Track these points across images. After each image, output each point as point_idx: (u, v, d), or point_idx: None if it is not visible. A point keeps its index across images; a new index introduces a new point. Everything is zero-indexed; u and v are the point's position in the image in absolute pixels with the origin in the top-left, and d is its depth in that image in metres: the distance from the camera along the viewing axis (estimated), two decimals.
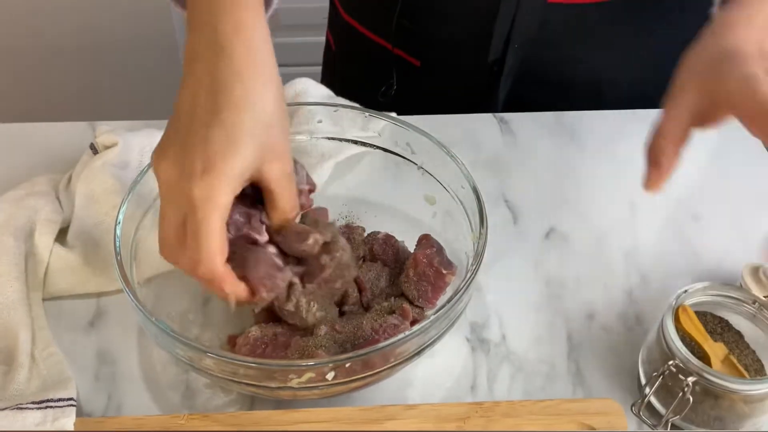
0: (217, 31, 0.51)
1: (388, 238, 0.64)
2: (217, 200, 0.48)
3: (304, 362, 0.50)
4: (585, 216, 0.73)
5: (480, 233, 0.57)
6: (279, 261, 0.53)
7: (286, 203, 0.53)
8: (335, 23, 0.96)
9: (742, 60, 0.52)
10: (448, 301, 0.53)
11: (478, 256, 0.55)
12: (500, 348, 0.63)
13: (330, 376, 0.49)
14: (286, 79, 0.67)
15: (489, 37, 0.83)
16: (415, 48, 0.88)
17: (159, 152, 0.51)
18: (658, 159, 0.55)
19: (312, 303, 0.55)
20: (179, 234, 0.50)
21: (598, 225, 0.73)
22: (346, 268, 0.55)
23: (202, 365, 0.51)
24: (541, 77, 0.86)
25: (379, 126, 0.68)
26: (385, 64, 0.86)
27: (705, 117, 0.55)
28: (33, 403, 0.55)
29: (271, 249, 0.53)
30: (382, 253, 0.64)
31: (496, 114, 0.84)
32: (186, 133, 0.49)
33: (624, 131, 0.82)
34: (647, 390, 0.55)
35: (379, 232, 0.65)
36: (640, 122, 0.83)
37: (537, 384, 0.60)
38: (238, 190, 0.50)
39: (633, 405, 0.56)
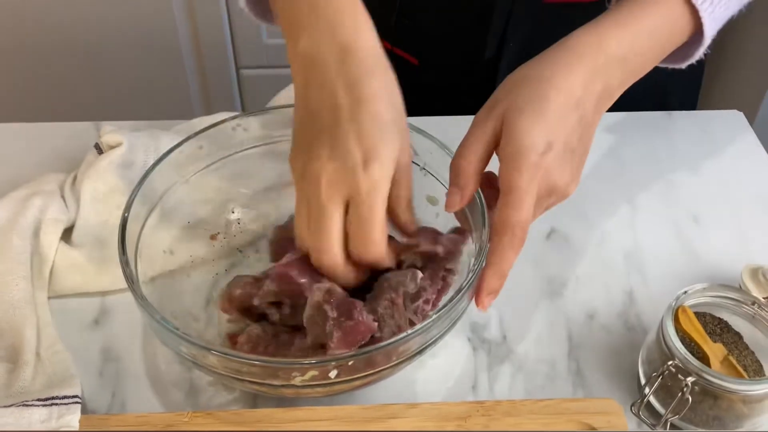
0: (336, 34, 0.53)
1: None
2: (382, 188, 0.52)
3: (307, 360, 0.50)
4: (586, 217, 0.74)
5: (482, 233, 0.57)
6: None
7: (408, 190, 0.56)
8: None
9: (541, 111, 0.54)
10: (450, 300, 0.53)
11: (480, 256, 0.56)
12: (501, 348, 0.63)
13: (333, 374, 0.50)
14: (285, 80, 0.68)
15: (485, 34, 0.83)
16: (414, 46, 0.89)
17: (306, 153, 0.53)
18: (458, 180, 0.56)
19: None
20: (341, 226, 0.52)
21: (599, 226, 0.73)
22: None
23: (205, 363, 0.52)
24: None
25: None
26: None
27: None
28: (38, 400, 0.55)
29: None
30: None
31: None
32: (335, 130, 0.51)
33: (625, 133, 0.83)
34: (647, 390, 0.56)
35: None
36: (641, 124, 0.84)
37: (537, 383, 0.61)
38: (392, 174, 0.52)
39: (632, 405, 0.57)
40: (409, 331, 0.51)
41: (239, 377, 0.51)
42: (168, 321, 0.52)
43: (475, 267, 0.55)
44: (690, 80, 0.88)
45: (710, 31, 0.60)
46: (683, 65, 0.65)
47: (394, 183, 0.54)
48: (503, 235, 0.53)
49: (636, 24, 0.58)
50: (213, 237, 0.67)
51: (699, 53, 0.62)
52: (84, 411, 0.58)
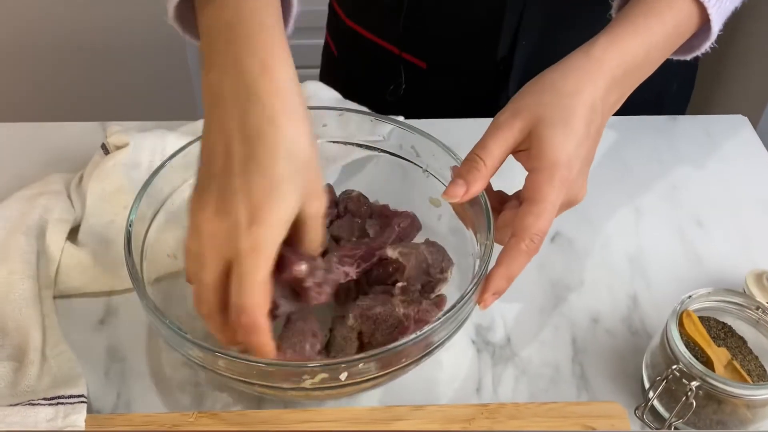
0: (243, 72, 0.50)
1: (361, 197, 0.67)
2: (264, 252, 0.48)
3: (317, 363, 0.50)
4: (590, 220, 0.74)
5: (487, 236, 0.57)
6: (317, 329, 0.55)
7: (316, 239, 0.54)
8: (336, 28, 0.96)
9: (571, 126, 0.55)
10: (457, 302, 0.53)
11: (485, 259, 0.56)
12: (505, 350, 0.64)
13: (343, 376, 0.50)
14: None
15: (497, 34, 0.83)
16: (422, 50, 0.89)
17: (196, 201, 0.50)
18: (468, 175, 0.56)
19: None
20: (220, 283, 0.50)
21: (603, 229, 0.73)
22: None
23: (214, 366, 0.52)
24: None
25: (385, 130, 0.69)
26: (392, 67, 0.87)
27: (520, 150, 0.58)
28: (44, 399, 0.55)
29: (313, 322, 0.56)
30: (356, 210, 0.66)
31: None
32: (224, 182, 0.49)
33: (629, 137, 0.83)
34: (651, 394, 0.56)
35: (352, 191, 0.68)
36: (645, 128, 0.84)
37: (541, 386, 0.61)
38: (283, 237, 0.50)
39: (636, 408, 0.57)
40: (417, 334, 0.51)
41: (248, 380, 0.51)
42: (175, 324, 0.52)
43: (481, 270, 0.55)
44: (684, 80, 0.88)
45: (717, 25, 0.61)
46: (688, 57, 0.66)
47: (304, 232, 0.52)
48: (521, 240, 0.54)
49: (651, 31, 0.59)
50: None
51: (706, 46, 0.63)
52: (89, 410, 0.58)
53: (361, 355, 0.50)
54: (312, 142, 0.51)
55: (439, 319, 0.52)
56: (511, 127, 0.56)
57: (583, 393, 0.61)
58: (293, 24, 0.58)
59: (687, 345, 0.56)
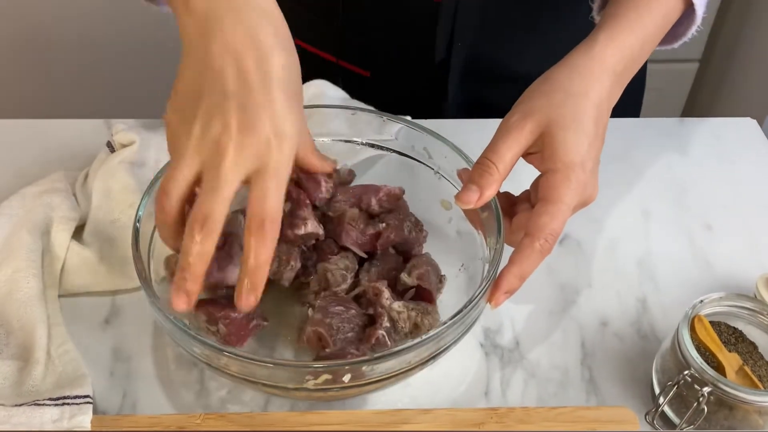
0: None
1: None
2: (288, 164, 0.51)
3: (321, 364, 0.50)
4: (598, 223, 0.73)
5: (497, 240, 0.57)
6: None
7: (314, 150, 0.58)
8: None
9: (583, 128, 0.55)
10: (465, 306, 0.53)
11: (495, 262, 0.55)
12: (513, 354, 0.63)
13: (347, 378, 0.49)
14: None
15: (433, 38, 0.83)
16: (362, 58, 0.89)
17: (205, 113, 0.50)
18: (481, 180, 0.56)
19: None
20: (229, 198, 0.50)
21: (612, 232, 0.73)
22: None
23: (219, 364, 0.51)
24: (489, 74, 0.86)
25: (394, 129, 0.69)
26: (329, 77, 0.86)
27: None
28: (50, 399, 0.55)
29: None
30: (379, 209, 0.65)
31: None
32: (245, 98, 0.50)
33: (637, 138, 0.83)
34: (661, 399, 0.56)
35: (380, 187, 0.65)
36: (653, 130, 0.84)
37: (550, 390, 0.61)
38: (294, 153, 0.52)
39: (647, 414, 0.57)
40: (424, 337, 0.51)
41: (252, 379, 0.51)
42: (182, 321, 0.52)
43: (490, 273, 0.55)
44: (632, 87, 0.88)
45: (701, 9, 0.62)
46: (675, 45, 0.67)
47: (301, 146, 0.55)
48: (536, 239, 0.54)
49: (644, 23, 0.59)
50: None
51: (691, 31, 0.65)
52: (95, 411, 0.57)
53: (366, 357, 0.49)
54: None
55: (447, 322, 0.52)
56: (521, 129, 0.56)
57: (592, 397, 0.60)
58: None
59: (698, 350, 0.56)
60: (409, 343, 0.50)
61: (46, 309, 0.63)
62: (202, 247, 0.50)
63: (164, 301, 0.58)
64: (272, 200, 0.50)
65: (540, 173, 0.59)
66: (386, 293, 0.57)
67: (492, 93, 0.85)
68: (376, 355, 0.49)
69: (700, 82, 1.49)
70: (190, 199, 0.52)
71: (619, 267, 0.70)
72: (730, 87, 1.45)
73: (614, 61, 0.58)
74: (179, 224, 0.52)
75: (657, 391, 0.58)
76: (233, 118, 0.49)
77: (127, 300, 0.66)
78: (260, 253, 0.50)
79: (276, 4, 0.53)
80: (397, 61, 0.87)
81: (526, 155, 0.58)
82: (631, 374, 0.62)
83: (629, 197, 0.76)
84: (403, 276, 0.60)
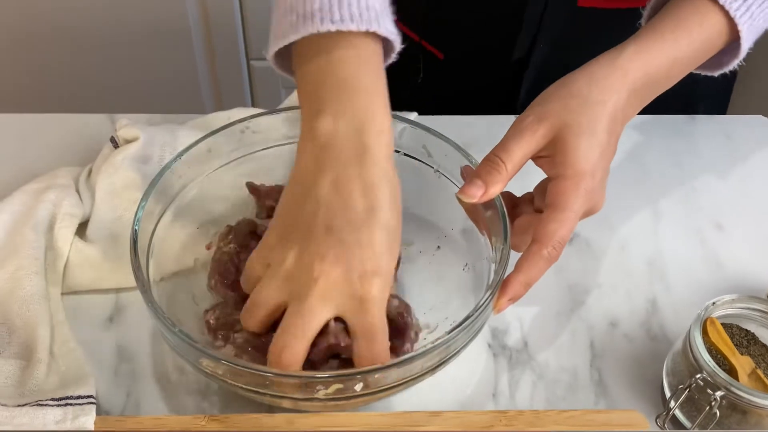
0: (364, 132, 0.51)
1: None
2: (385, 299, 0.51)
3: (331, 374, 0.49)
4: (608, 222, 0.72)
5: (503, 242, 0.56)
6: None
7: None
8: None
9: (597, 137, 0.55)
10: (474, 311, 0.52)
11: (502, 265, 0.55)
12: (522, 355, 0.62)
13: (359, 387, 0.49)
14: None
15: (516, 34, 0.82)
16: (441, 41, 0.88)
17: (303, 242, 0.51)
18: (488, 177, 0.56)
19: None
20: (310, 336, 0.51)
21: (621, 231, 0.72)
22: None
23: (223, 376, 0.51)
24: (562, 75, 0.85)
25: (397, 129, 0.67)
26: (410, 55, 0.85)
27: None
28: (53, 399, 0.54)
29: None
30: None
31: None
32: (347, 233, 0.50)
33: (648, 137, 0.82)
34: (672, 403, 0.55)
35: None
36: (663, 128, 0.83)
37: (559, 393, 0.60)
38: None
39: (657, 417, 0.56)
40: (435, 344, 0.50)
41: (260, 391, 0.50)
42: (184, 332, 0.51)
43: (497, 278, 0.54)
44: (720, 88, 0.86)
45: (747, 43, 0.59)
46: (716, 73, 0.64)
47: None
48: (544, 246, 0.53)
49: (678, 46, 0.58)
50: (208, 247, 0.66)
51: (734, 63, 0.62)
52: (98, 411, 0.56)
53: (376, 366, 0.49)
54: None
55: (455, 329, 0.51)
56: (534, 131, 0.55)
57: (601, 399, 0.60)
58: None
59: (710, 352, 0.55)
60: (419, 350, 0.49)
61: (49, 307, 0.62)
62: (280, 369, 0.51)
63: (162, 303, 0.57)
64: (377, 337, 0.51)
65: (547, 177, 0.58)
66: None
67: None
68: (387, 364, 0.49)
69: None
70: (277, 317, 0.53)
71: (628, 267, 0.69)
72: (745, 86, 1.43)
73: (636, 76, 0.56)
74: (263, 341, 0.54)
75: (668, 394, 0.57)
76: (331, 250, 0.50)
77: (131, 298, 0.65)
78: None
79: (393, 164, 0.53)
80: (474, 49, 0.86)
81: (536, 158, 0.57)
82: (641, 376, 0.61)
83: (639, 196, 0.75)
84: None
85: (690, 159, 0.80)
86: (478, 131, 0.80)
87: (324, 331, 0.51)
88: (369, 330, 0.51)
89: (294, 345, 0.50)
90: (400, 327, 0.55)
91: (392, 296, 0.56)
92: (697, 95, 0.87)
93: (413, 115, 0.80)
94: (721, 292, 0.67)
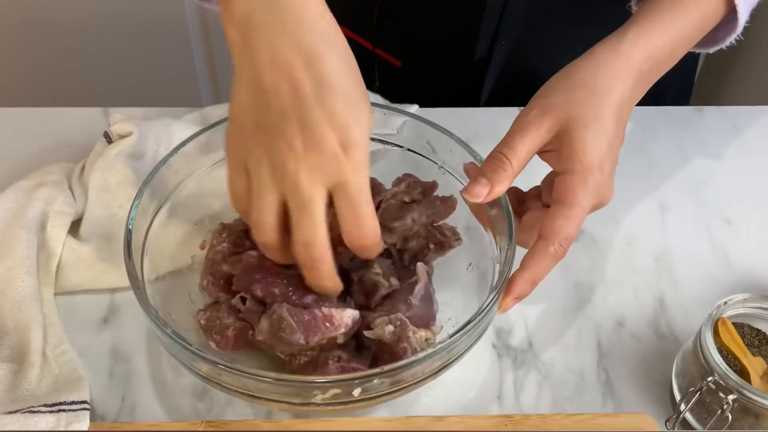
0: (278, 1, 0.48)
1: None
2: (366, 172, 0.48)
3: (329, 378, 0.47)
4: (614, 217, 0.71)
5: (508, 242, 0.54)
6: None
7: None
8: None
9: (604, 128, 0.53)
10: (477, 314, 0.50)
11: (507, 266, 0.53)
12: (527, 355, 0.61)
13: (357, 392, 0.47)
14: None
15: (475, 34, 0.80)
16: (396, 48, 0.85)
17: (265, 139, 0.48)
18: (493, 175, 0.54)
19: None
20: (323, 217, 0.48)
21: (627, 227, 0.70)
22: None
23: (219, 380, 0.49)
24: (527, 77, 0.82)
25: (398, 123, 0.65)
26: (364, 64, 0.83)
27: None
28: (45, 405, 0.53)
29: None
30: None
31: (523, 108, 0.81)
32: (302, 113, 0.47)
33: (654, 129, 0.80)
34: (683, 406, 0.53)
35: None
36: (669, 120, 0.81)
37: (565, 394, 0.58)
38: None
39: (667, 420, 0.54)
40: (436, 348, 0.48)
41: (255, 394, 0.48)
42: (180, 335, 0.49)
43: (502, 279, 0.52)
44: (683, 77, 0.85)
45: (744, 17, 0.59)
46: (711, 50, 0.64)
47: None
48: (550, 243, 0.52)
49: (678, 25, 0.57)
50: (202, 246, 0.64)
51: (731, 38, 0.61)
52: (92, 415, 0.55)
53: (376, 370, 0.47)
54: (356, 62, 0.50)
55: (458, 332, 0.49)
56: (539, 125, 0.53)
57: (609, 401, 0.58)
58: None
59: (721, 353, 0.53)
60: (420, 354, 0.48)
61: (42, 308, 0.61)
62: (320, 273, 0.50)
63: (157, 302, 0.56)
64: (361, 210, 0.48)
65: (552, 170, 0.56)
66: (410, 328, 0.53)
67: (527, 97, 0.83)
68: (386, 369, 0.47)
69: (708, 68, 1.45)
70: (286, 224, 0.50)
71: (635, 263, 0.67)
72: (753, 77, 1.41)
73: (641, 60, 0.55)
74: (287, 249, 0.51)
75: (677, 396, 0.56)
76: (296, 138, 0.47)
77: (126, 298, 0.64)
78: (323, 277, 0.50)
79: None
80: (432, 55, 0.84)
81: (542, 153, 0.55)
82: (649, 376, 0.60)
83: (645, 190, 0.74)
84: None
85: (696, 151, 0.78)
86: (479, 124, 0.78)
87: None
88: (351, 207, 0.48)
89: (315, 236, 0.48)
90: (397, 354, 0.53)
91: (390, 318, 0.53)
92: (663, 84, 0.86)
93: (414, 108, 0.78)
94: (730, 288, 0.65)
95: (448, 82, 0.85)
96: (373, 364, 0.53)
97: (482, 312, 0.50)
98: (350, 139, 0.47)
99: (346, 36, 0.50)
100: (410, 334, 0.52)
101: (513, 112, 0.80)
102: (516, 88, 0.83)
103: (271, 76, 0.47)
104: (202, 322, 0.55)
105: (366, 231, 0.49)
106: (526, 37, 0.80)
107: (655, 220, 0.71)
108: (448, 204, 0.60)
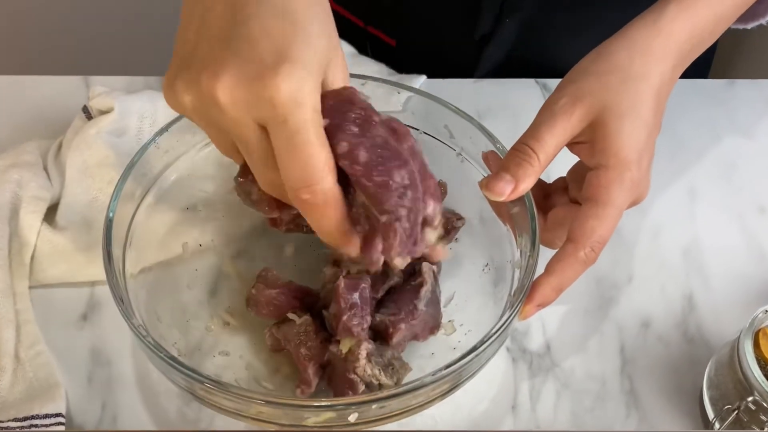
0: None
1: None
2: (306, 95, 0.38)
3: (324, 402, 0.42)
4: (639, 206, 0.65)
5: (531, 247, 0.49)
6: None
7: None
8: None
9: (641, 118, 0.48)
10: (489, 336, 0.45)
11: (528, 275, 0.48)
12: (544, 360, 0.56)
13: (353, 417, 0.42)
14: None
15: (478, 10, 0.73)
16: (391, 26, 0.79)
17: (193, 68, 0.40)
18: (517, 170, 0.48)
19: None
20: (267, 155, 0.40)
21: (654, 216, 0.65)
22: None
23: (204, 397, 0.44)
24: (534, 55, 0.77)
25: (401, 99, 0.59)
26: (356, 43, 0.76)
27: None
28: (15, 420, 0.48)
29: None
30: None
31: (538, 80, 0.74)
32: (230, 30, 0.39)
33: (681, 105, 0.73)
34: (717, 425, 0.49)
35: None
36: (698, 94, 0.75)
37: (586, 404, 0.54)
38: (320, 88, 0.40)
39: None
40: (440, 372, 0.43)
41: (243, 414, 0.44)
42: (163, 348, 0.44)
43: (523, 291, 0.47)
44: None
45: None
46: (749, 26, 0.60)
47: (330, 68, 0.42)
48: (581, 248, 0.46)
49: (723, 2, 0.51)
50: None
51: None
52: (69, 426, 0.51)
53: (374, 396, 0.42)
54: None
55: (471, 352, 0.44)
56: (569, 115, 0.47)
57: (633, 412, 0.54)
58: None
59: (760, 366, 0.48)
60: (425, 380, 0.43)
61: (15, 304, 0.56)
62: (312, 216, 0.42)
63: (141, 297, 0.52)
64: (299, 154, 0.39)
65: (579, 159, 0.51)
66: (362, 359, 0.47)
67: (530, 74, 0.76)
68: (385, 394, 0.42)
69: (723, 42, 1.38)
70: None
71: (662, 257, 0.62)
72: (762, 41, 1.34)
73: (682, 39, 0.49)
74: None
75: (710, 411, 0.51)
76: (226, 66, 0.38)
77: (107, 292, 0.57)
78: (323, 226, 0.42)
79: None
80: (429, 34, 0.78)
81: (572, 145, 0.49)
82: (677, 385, 0.55)
83: (673, 174, 0.68)
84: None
85: (728, 130, 0.72)
86: (490, 98, 0.72)
87: None
88: (286, 142, 0.39)
89: (263, 174, 0.42)
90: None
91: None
92: None
93: (422, 78, 0.71)
94: (766, 285, 0.60)
95: (446, 61, 0.78)
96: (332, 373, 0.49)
97: (497, 332, 0.45)
98: (287, 56, 0.38)
99: (335, 12, 0.43)
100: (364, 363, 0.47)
101: (526, 84, 0.74)
102: (522, 71, 0.77)
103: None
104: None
105: (303, 180, 0.40)
106: (536, 13, 0.73)
107: (684, 208, 0.66)
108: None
